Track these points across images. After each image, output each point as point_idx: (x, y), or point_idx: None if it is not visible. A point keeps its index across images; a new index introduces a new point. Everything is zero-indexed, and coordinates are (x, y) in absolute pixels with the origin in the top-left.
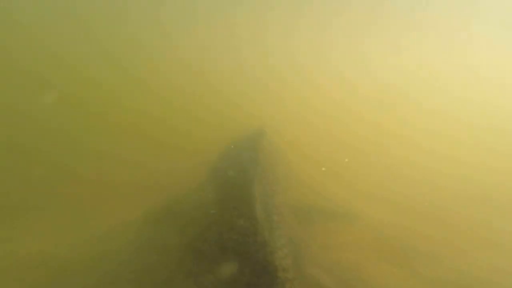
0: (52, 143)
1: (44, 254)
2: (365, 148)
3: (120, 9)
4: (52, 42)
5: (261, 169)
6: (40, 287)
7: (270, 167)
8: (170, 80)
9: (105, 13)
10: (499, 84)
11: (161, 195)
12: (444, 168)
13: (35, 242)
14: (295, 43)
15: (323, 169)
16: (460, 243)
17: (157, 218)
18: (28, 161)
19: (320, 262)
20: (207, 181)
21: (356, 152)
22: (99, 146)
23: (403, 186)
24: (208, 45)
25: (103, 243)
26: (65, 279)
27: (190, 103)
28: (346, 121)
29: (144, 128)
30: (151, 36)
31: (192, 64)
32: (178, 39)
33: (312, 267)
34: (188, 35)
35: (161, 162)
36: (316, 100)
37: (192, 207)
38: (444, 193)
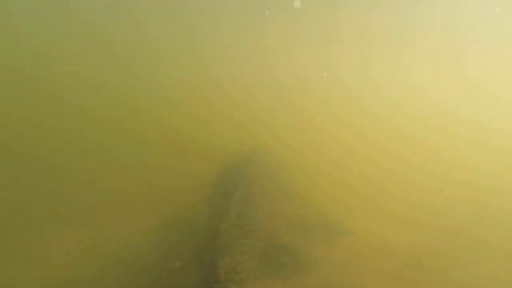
0: (56, 151)
1: (60, 270)
2: (371, 168)
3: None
4: (58, 47)
5: (246, 185)
6: None
7: (259, 183)
8: (184, 88)
9: (118, 18)
10: None
11: (172, 205)
12: (456, 190)
13: (47, 259)
14: (300, 60)
15: None
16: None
17: (168, 228)
18: (34, 171)
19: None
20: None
21: (362, 173)
22: (107, 154)
23: (413, 208)
24: (212, 59)
25: (119, 254)
26: None
27: (205, 113)
28: (349, 140)
29: (155, 136)
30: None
31: (208, 73)
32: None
33: None
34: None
35: (172, 171)
36: (319, 117)
37: (196, 218)
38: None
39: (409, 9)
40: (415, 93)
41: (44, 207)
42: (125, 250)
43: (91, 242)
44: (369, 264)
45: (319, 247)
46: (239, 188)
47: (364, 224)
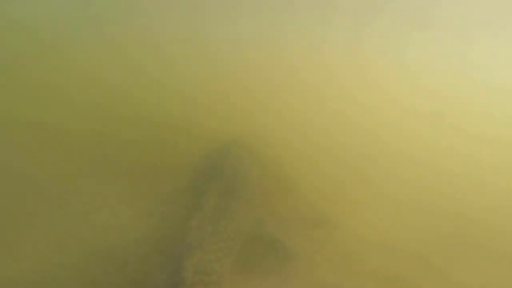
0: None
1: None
2: (363, 158)
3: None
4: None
5: (225, 175)
6: None
7: (239, 173)
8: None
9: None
10: None
11: (145, 197)
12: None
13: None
14: (289, 44)
15: None
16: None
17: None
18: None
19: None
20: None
21: (354, 162)
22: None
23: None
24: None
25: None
26: None
27: (182, 100)
28: (340, 127)
29: (130, 125)
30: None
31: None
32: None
33: None
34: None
35: (147, 161)
36: (307, 104)
37: (170, 212)
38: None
39: None
40: (412, 82)
41: (25, 199)
42: (98, 241)
43: (61, 237)
44: (363, 262)
45: (306, 244)
46: (216, 179)
47: (357, 218)
